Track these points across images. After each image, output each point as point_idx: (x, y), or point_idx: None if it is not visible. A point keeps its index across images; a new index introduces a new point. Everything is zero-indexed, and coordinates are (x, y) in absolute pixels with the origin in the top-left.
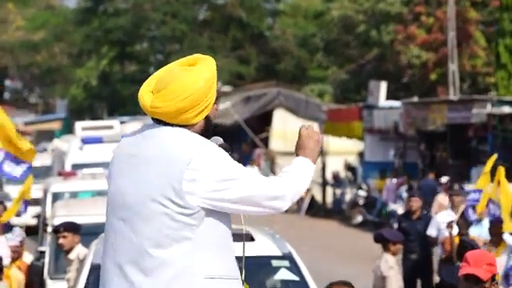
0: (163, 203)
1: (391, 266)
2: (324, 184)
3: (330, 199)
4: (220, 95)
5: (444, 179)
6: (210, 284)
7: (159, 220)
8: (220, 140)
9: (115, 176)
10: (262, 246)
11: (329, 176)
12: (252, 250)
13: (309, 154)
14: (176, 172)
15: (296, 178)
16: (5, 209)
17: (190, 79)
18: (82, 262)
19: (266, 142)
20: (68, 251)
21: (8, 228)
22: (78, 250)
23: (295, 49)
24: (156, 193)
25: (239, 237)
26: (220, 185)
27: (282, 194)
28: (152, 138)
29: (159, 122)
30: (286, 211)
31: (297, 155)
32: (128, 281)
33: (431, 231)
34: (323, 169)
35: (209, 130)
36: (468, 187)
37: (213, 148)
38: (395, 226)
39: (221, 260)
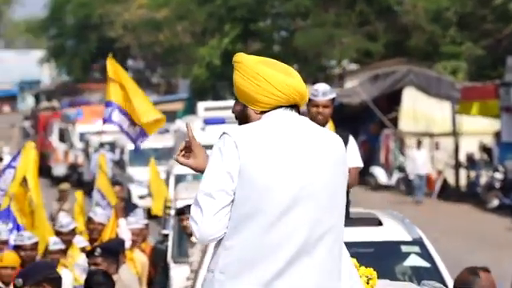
0: (343, 191)
1: None
2: (457, 166)
3: (463, 182)
4: (343, 77)
5: None
6: None
7: (340, 209)
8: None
9: (278, 165)
10: (391, 230)
11: (462, 158)
12: (380, 234)
13: None
14: (343, 160)
15: None
16: (126, 190)
17: None
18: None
19: (395, 122)
20: (191, 234)
21: (132, 209)
22: None
23: (427, 24)
24: (336, 181)
25: (366, 221)
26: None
27: None
28: (301, 124)
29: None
30: (417, 194)
31: None
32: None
33: None
34: (456, 150)
35: None
36: None
37: None
38: None
39: None
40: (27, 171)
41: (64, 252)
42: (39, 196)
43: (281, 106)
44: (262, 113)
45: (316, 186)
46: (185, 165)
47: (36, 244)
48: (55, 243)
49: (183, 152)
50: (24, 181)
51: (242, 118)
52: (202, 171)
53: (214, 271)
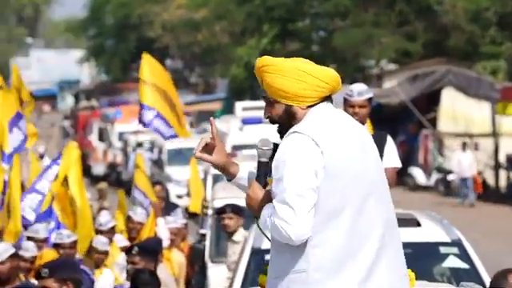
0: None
1: None
2: (497, 167)
3: (503, 183)
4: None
5: None
6: None
7: (389, 196)
8: None
9: (354, 158)
10: (429, 231)
11: (502, 158)
12: (418, 235)
13: None
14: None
15: None
16: (165, 190)
17: None
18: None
19: (433, 122)
20: (231, 233)
21: (171, 209)
22: (243, 233)
23: (466, 24)
24: (382, 173)
25: (404, 222)
26: None
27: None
28: (342, 115)
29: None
30: (457, 195)
31: None
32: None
33: None
34: (496, 151)
35: None
36: None
37: None
38: None
39: None
40: (69, 171)
41: (108, 253)
42: (84, 195)
43: (324, 99)
44: (307, 108)
45: (376, 179)
46: (205, 160)
47: (75, 242)
48: (103, 244)
49: (203, 148)
50: (65, 180)
51: (287, 117)
52: (220, 168)
53: (306, 270)
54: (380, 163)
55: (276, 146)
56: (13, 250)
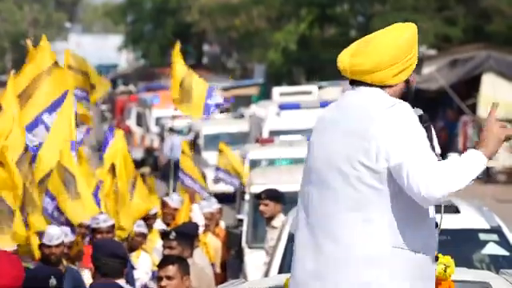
0: (353, 166)
1: None
2: None
3: None
4: (420, 62)
5: None
6: (396, 254)
7: (350, 183)
8: (419, 111)
9: (316, 141)
10: (469, 218)
11: None
12: (457, 222)
13: (487, 152)
14: (363, 132)
15: (458, 170)
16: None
17: (390, 36)
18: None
19: (473, 108)
20: (270, 219)
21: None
22: (282, 219)
23: (507, 8)
24: (346, 155)
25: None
26: (395, 145)
27: (437, 180)
28: (345, 100)
29: (358, 84)
30: (497, 182)
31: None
32: (317, 245)
33: None
34: None
35: (408, 95)
36: None
37: (400, 109)
38: None
39: (411, 229)
40: (115, 158)
41: (145, 236)
42: (126, 183)
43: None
44: None
45: (325, 164)
46: None
47: (112, 227)
48: (139, 225)
49: None
50: (112, 168)
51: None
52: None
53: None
54: (349, 149)
55: (420, 116)
56: (64, 237)
